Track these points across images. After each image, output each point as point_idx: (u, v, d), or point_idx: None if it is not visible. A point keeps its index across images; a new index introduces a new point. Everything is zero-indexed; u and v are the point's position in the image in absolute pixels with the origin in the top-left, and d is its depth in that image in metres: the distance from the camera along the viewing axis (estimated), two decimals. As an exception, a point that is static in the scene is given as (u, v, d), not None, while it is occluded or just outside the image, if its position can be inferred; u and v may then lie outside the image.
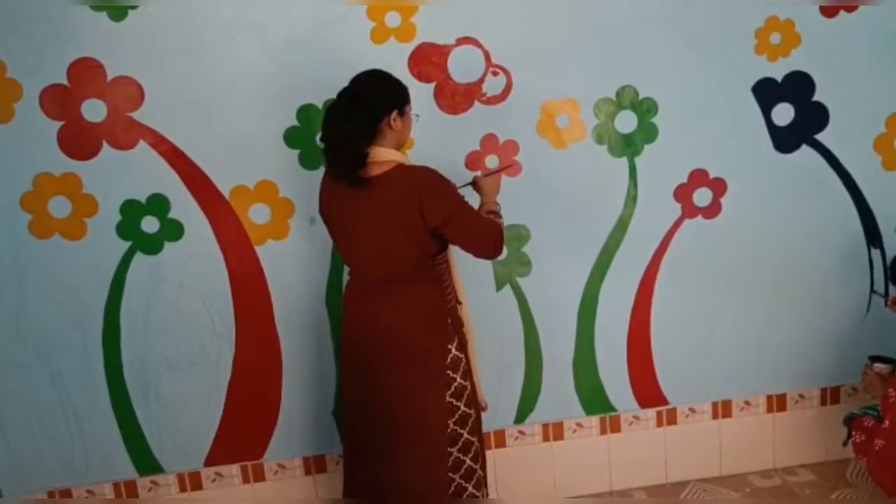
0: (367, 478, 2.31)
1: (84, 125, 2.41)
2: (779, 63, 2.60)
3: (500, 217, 2.30)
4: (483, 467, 2.38)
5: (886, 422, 2.29)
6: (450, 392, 2.25)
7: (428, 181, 2.12)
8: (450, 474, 2.27)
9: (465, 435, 2.29)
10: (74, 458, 2.64)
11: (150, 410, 2.64)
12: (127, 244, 2.52)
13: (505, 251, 2.62)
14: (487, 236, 2.19)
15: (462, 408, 2.28)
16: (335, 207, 2.20)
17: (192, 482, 2.72)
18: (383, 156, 2.12)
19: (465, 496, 2.32)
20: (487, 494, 2.41)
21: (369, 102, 2.09)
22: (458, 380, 2.27)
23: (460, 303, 2.33)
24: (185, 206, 2.51)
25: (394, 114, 2.12)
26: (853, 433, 2.49)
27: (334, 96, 2.39)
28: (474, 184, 2.36)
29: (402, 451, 2.24)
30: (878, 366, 2.50)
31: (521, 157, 2.59)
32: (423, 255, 2.18)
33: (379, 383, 2.23)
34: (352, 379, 2.32)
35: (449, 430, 2.25)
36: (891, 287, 2.61)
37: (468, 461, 2.31)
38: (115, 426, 2.64)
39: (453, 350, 2.25)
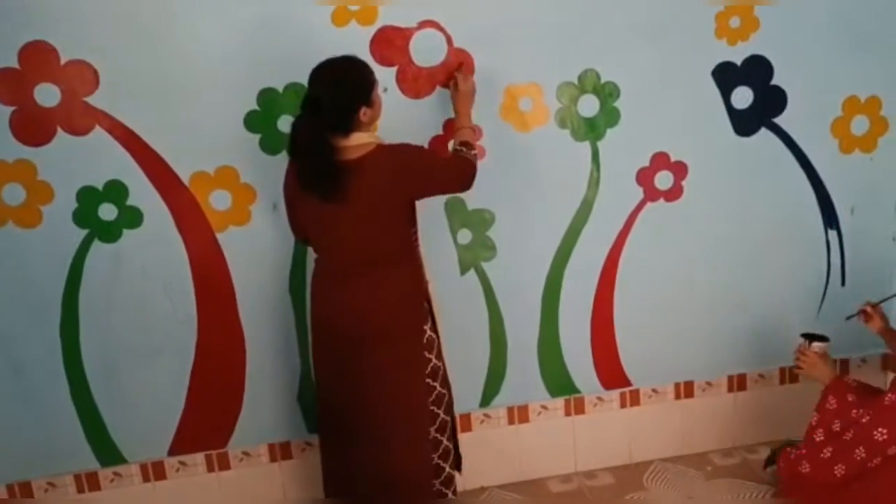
0: (349, 461, 2.32)
1: (37, 110, 2.35)
2: (738, 47, 2.63)
3: (473, 148, 2.32)
4: (456, 446, 2.42)
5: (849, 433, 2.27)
6: (426, 372, 2.28)
7: (411, 154, 2.17)
8: (432, 455, 2.30)
9: (441, 415, 2.33)
10: (34, 450, 2.60)
11: (111, 400, 2.60)
12: (84, 232, 2.47)
13: (470, 235, 2.64)
14: (463, 178, 2.28)
15: (437, 388, 2.31)
16: (308, 195, 2.16)
17: (155, 472, 2.69)
18: (359, 139, 2.13)
19: (443, 476, 2.36)
20: (461, 472, 2.45)
21: (337, 112, 2.09)
22: (434, 360, 2.31)
23: (428, 281, 2.35)
24: (143, 193, 2.46)
25: (362, 109, 2.12)
26: (779, 462, 2.50)
27: (294, 80, 2.39)
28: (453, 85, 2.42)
29: (386, 434, 2.26)
30: (817, 345, 2.45)
31: (485, 142, 2.58)
32: (405, 233, 2.21)
33: (358, 366, 2.24)
34: (327, 363, 2.32)
35: (430, 412, 2.29)
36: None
37: (444, 440, 2.35)
38: (76, 416, 2.60)
39: (428, 330, 2.29)
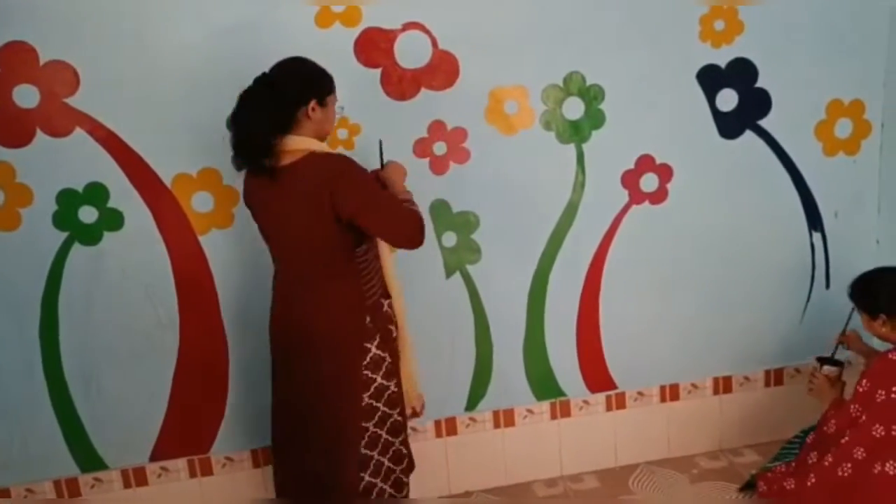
0: (287, 470, 2.29)
1: (16, 111, 2.32)
2: (722, 50, 2.63)
3: (415, 205, 2.18)
4: (405, 470, 2.35)
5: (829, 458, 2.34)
6: (368, 393, 2.17)
7: (338, 169, 2.02)
8: (361, 474, 2.20)
9: (385, 436, 2.24)
10: (12, 456, 2.56)
11: (91, 404, 2.57)
12: (64, 234, 2.44)
13: (455, 238, 2.63)
14: (407, 226, 2.08)
15: (382, 408, 2.21)
16: (255, 197, 2.15)
17: (136, 478, 2.65)
18: (296, 144, 2.04)
19: (374, 492, 2.26)
20: (409, 495, 2.38)
21: (284, 90, 2.03)
22: (379, 380, 2.19)
23: (387, 298, 2.24)
24: (124, 195, 2.44)
25: (312, 103, 2.05)
26: (759, 484, 2.57)
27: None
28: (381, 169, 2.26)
29: (315, 447, 2.20)
30: (826, 368, 2.49)
31: (470, 144, 2.58)
32: (339, 248, 2.09)
33: (296, 378, 2.20)
34: (276, 371, 2.28)
35: (369, 432, 2.19)
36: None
37: (387, 462, 2.27)
38: (55, 421, 2.56)
39: (373, 349, 2.16)
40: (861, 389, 2.32)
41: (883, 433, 2.24)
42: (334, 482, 2.20)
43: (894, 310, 2.34)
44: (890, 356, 2.30)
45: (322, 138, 2.12)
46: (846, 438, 2.31)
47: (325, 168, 2.02)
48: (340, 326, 2.13)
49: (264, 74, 2.07)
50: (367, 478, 2.21)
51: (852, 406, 2.33)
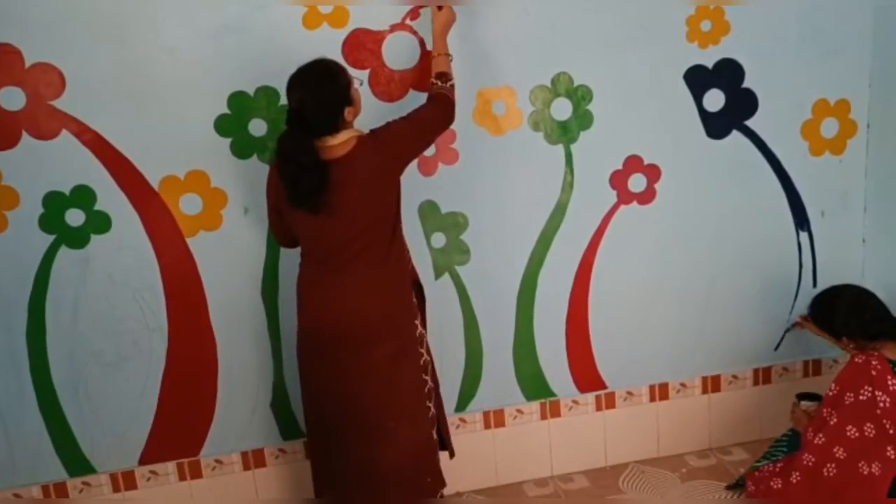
0: (348, 462, 2.29)
1: (1, 114, 2.30)
2: (709, 50, 2.64)
3: (448, 76, 2.31)
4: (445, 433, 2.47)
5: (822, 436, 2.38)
6: (424, 371, 2.31)
7: (393, 133, 2.17)
8: (430, 451, 2.34)
9: (432, 409, 2.35)
10: (0, 460, 2.54)
11: (79, 408, 2.56)
12: (51, 237, 2.42)
13: (444, 239, 2.63)
14: (445, 120, 2.29)
15: (429, 382, 2.34)
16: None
17: (125, 481, 2.64)
18: (345, 136, 2.13)
19: (435, 470, 2.39)
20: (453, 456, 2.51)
21: (322, 120, 2.10)
22: (424, 354, 2.33)
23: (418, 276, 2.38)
24: (112, 198, 2.43)
25: (346, 110, 2.13)
26: (747, 483, 2.60)
27: (266, 83, 2.38)
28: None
29: (388, 432, 2.25)
30: (805, 403, 2.59)
31: (458, 145, 2.58)
32: (394, 226, 2.22)
33: (355, 364, 2.23)
34: (319, 363, 2.29)
35: (425, 406, 2.31)
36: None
37: (436, 435, 2.38)
38: (43, 425, 2.55)
39: (419, 325, 2.31)
40: (830, 393, 2.37)
41: (857, 434, 2.28)
42: (414, 464, 2.29)
43: (854, 332, 2.39)
44: (856, 360, 2.34)
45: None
46: (821, 439, 2.34)
47: (380, 141, 2.15)
48: (396, 308, 2.25)
49: (291, 111, 2.11)
50: (431, 454, 2.35)
51: (824, 409, 2.38)
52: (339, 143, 2.12)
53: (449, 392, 2.77)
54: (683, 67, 2.65)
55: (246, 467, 2.71)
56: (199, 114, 2.42)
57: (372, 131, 2.19)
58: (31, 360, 2.50)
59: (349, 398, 2.25)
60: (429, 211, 2.61)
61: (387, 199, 2.20)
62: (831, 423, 2.33)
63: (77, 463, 2.60)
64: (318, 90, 2.10)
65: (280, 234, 2.34)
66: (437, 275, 2.68)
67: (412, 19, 2.46)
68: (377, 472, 2.28)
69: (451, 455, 2.50)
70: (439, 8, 2.38)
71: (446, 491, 2.55)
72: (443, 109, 2.27)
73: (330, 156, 2.12)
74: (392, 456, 2.27)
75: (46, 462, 2.57)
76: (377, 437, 2.26)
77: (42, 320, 2.48)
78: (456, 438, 2.78)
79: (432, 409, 2.36)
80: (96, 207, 2.42)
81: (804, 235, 2.88)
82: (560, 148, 2.65)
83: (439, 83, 2.30)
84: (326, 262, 2.22)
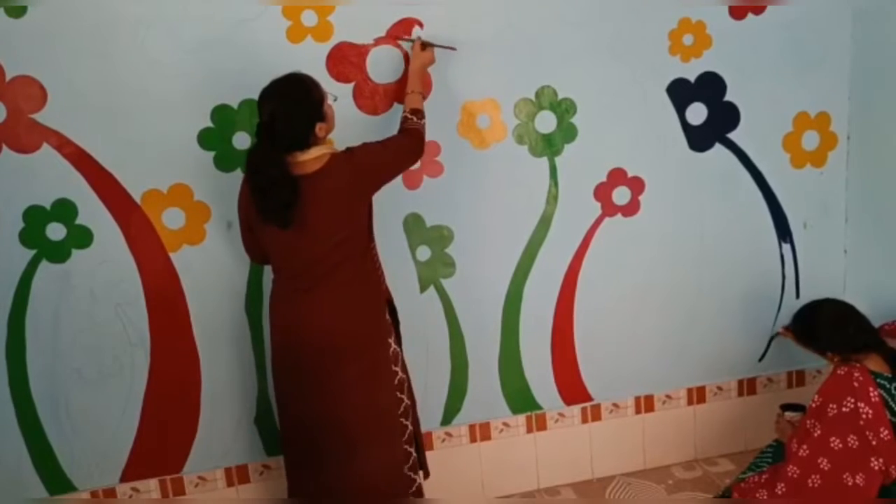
0: (319, 481, 2.28)
1: (-19, 127, 2.29)
2: (691, 63, 2.67)
3: (422, 114, 2.34)
4: (421, 452, 2.45)
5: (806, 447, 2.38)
6: (394, 385, 2.28)
7: (365, 155, 2.16)
8: (404, 467, 2.31)
9: (409, 426, 2.34)
10: (-22, 479, 2.51)
11: (60, 425, 2.52)
12: (31, 252, 2.40)
13: (429, 252, 2.63)
14: (414, 155, 2.29)
15: (405, 399, 2.33)
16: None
17: (107, 499, 2.60)
18: (316, 152, 2.12)
19: (414, 487, 2.37)
20: (428, 476, 2.48)
21: (293, 136, 2.09)
22: (399, 373, 2.31)
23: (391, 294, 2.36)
24: (93, 212, 2.41)
25: (318, 126, 2.12)
26: (733, 494, 2.58)
27: (249, 97, 2.36)
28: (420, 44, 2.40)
29: (359, 449, 2.23)
30: (788, 414, 2.59)
31: (443, 158, 2.58)
32: (365, 245, 2.21)
33: (326, 383, 2.21)
34: (291, 382, 2.27)
35: (399, 423, 2.29)
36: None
37: (413, 451, 2.36)
38: (23, 443, 2.51)
39: (392, 343, 2.29)
40: (814, 405, 2.37)
41: (841, 445, 2.29)
42: (389, 481, 2.27)
43: (837, 346, 2.40)
44: (839, 371, 2.35)
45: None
46: (805, 451, 2.35)
47: (352, 160, 2.14)
48: (368, 326, 2.24)
49: (264, 125, 2.08)
50: (406, 470, 2.32)
51: (808, 421, 2.38)
52: (310, 158, 2.11)
53: (434, 405, 2.76)
54: (666, 81, 2.67)
55: (230, 483, 2.68)
56: (182, 127, 2.40)
57: (347, 149, 2.19)
58: (11, 376, 2.46)
59: (322, 416, 2.23)
60: (414, 224, 2.61)
61: (358, 217, 2.19)
62: (815, 434, 2.34)
63: (57, 481, 2.56)
64: (290, 104, 2.09)
65: (251, 249, 2.32)
66: (423, 288, 2.67)
67: (397, 38, 2.46)
68: (351, 490, 2.26)
69: (426, 475, 2.47)
70: (423, 48, 2.40)
71: (432, 506, 2.54)
72: (416, 143, 2.29)
73: (301, 171, 2.10)
74: (367, 474, 2.25)
75: (26, 480, 2.53)
76: (350, 456, 2.24)
77: (22, 336, 2.44)
78: (442, 452, 2.78)
79: (410, 427, 2.35)
80: (77, 222, 2.40)
81: (787, 247, 2.90)
82: (544, 161, 2.65)
83: (414, 118, 2.32)
84: (297, 279, 2.20)
